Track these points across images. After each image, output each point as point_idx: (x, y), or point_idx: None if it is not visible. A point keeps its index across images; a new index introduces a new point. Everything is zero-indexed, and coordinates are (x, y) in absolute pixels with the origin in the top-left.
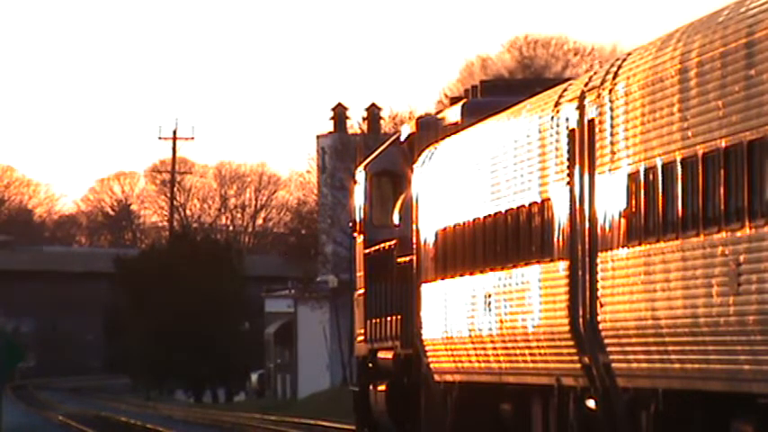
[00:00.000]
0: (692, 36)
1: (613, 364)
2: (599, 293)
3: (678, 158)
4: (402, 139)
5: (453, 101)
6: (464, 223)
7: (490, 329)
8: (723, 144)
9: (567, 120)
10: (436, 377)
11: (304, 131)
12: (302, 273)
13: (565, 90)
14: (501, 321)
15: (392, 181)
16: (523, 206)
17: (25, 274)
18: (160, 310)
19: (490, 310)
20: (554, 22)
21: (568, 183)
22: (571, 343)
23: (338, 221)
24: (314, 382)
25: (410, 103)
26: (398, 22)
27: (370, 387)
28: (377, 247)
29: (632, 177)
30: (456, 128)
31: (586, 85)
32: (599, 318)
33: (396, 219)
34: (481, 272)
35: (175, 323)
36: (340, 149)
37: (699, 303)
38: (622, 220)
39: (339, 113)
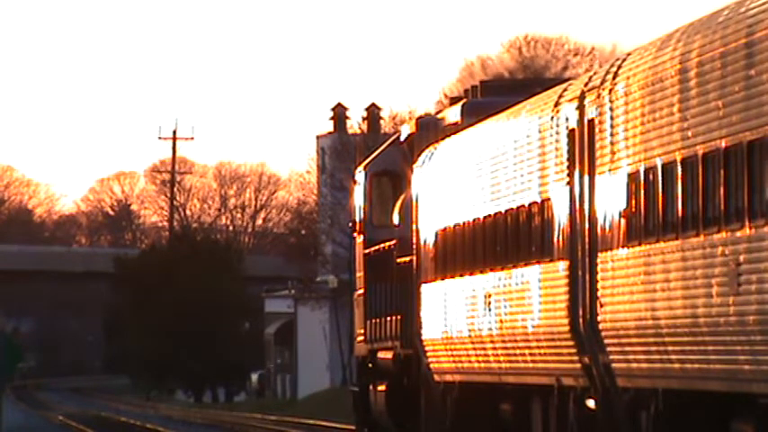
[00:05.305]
0: (692, 36)
1: (613, 364)
2: (599, 293)
3: (678, 158)
4: (402, 139)
5: (453, 101)
6: (464, 223)
7: (490, 329)
8: (723, 144)
9: (567, 120)
10: (436, 377)
11: (304, 131)
12: (302, 273)
13: (565, 90)
14: (501, 321)
15: (392, 181)
16: (523, 206)
17: (25, 274)
18: (160, 310)
19: (490, 310)
20: (554, 22)
21: (568, 183)
22: (571, 343)
23: (338, 221)
24: (314, 382)
25: (410, 103)
26: (398, 22)
27: (370, 387)
28: (377, 247)
29: (632, 177)
30: (456, 128)
31: (586, 85)
32: (599, 318)
33: (396, 219)
34: (481, 272)
35: (175, 323)
36: (340, 149)
37: (699, 303)
38: (622, 220)
39: (339, 113)
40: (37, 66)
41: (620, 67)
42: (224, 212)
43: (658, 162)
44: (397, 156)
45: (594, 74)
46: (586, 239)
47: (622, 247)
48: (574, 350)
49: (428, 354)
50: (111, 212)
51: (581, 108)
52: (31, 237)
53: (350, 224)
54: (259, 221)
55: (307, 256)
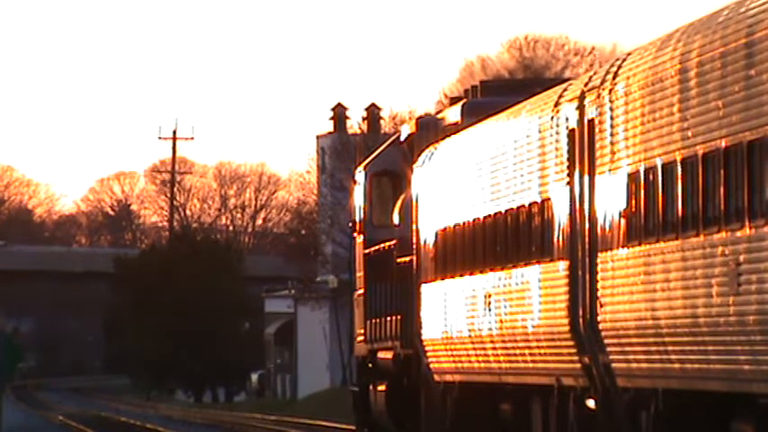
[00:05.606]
0: (692, 36)
1: (613, 364)
2: (599, 293)
3: (678, 158)
4: (402, 139)
5: (453, 101)
6: (464, 223)
7: (490, 329)
8: (723, 144)
9: (567, 120)
10: (436, 377)
11: (304, 131)
12: (302, 273)
13: (565, 90)
14: (501, 321)
15: (392, 181)
16: (523, 206)
17: (25, 274)
18: (160, 310)
19: (490, 310)
20: (554, 22)
21: (568, 183)
22: (571, 343)
23: (338, 221)
24: (314, 382)
25: (410, 103)
26: (398, 22)
27: (370, 387)
28: (377, 247)
29: (632, 177)
30: (456, 128)
31: (586, 85)
32: (599, 318)
33: (396, 219)
34: (481, 272)
35: (175, 323)
36: (340, 149)
37: (699, 303)
38: (622, 220)
39: (339, 113)
40: (37, 66)
41: (620, 67)
42: (224, 212)
43: (658, 162)
44: (397, 156)
45: (594, 74)
46: (586, 239)
47: (622, 247)
48: (574, 350)
49: (428, 354)
50: (111, 212)
51: (581, 108)
52: (31, 237)
53: (350, 224)
54: (259, 221)
55: (307, 256)
